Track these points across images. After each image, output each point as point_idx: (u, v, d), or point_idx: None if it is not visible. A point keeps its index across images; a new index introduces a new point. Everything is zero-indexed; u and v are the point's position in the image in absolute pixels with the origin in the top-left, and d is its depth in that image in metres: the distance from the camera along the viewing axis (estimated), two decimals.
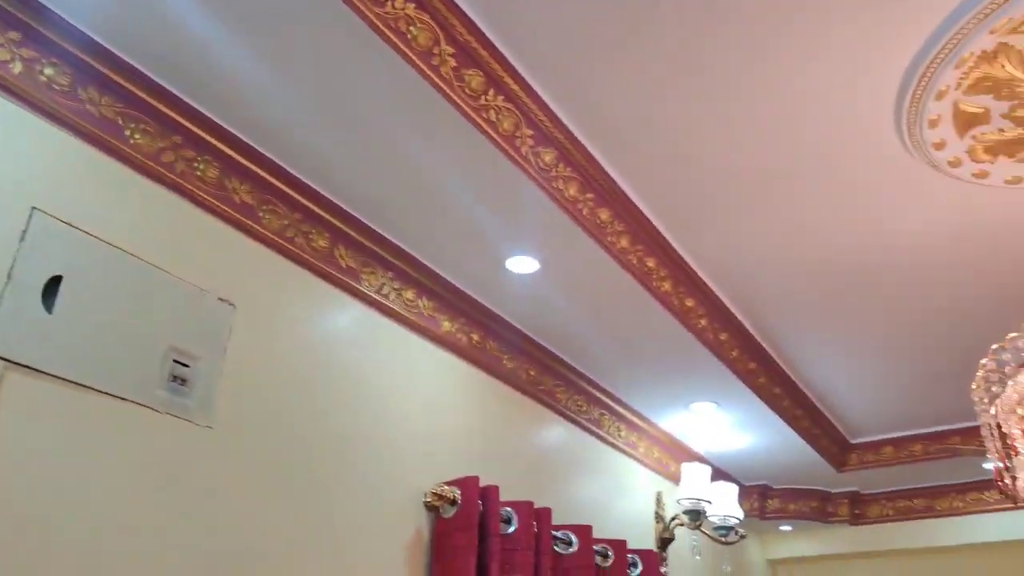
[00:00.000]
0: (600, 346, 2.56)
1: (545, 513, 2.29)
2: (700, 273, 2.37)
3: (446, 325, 2.24)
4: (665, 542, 3.15)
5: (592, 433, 2.91)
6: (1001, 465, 1.42)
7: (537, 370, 2.59)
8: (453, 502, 2.01)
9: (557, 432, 2.74)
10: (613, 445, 3.02)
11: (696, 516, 2.95)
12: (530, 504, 2.22)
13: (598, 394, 2.84)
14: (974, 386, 1.50)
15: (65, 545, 1.31)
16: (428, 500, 2.02)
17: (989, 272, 2.31)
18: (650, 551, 2.81)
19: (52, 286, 1.39)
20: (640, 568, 2.74)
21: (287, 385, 1.78)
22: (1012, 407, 1.35)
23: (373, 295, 2.03)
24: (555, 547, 2.42)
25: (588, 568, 2.41)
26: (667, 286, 2.30)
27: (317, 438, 1.81)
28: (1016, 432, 1.30)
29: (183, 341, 1.57)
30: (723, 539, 3.02)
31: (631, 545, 2.75)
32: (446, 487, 2.03)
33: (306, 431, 1.79)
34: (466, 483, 2.05)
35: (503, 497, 2.15)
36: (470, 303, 2.26)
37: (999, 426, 1.42)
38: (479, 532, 2.01)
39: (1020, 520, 3.63)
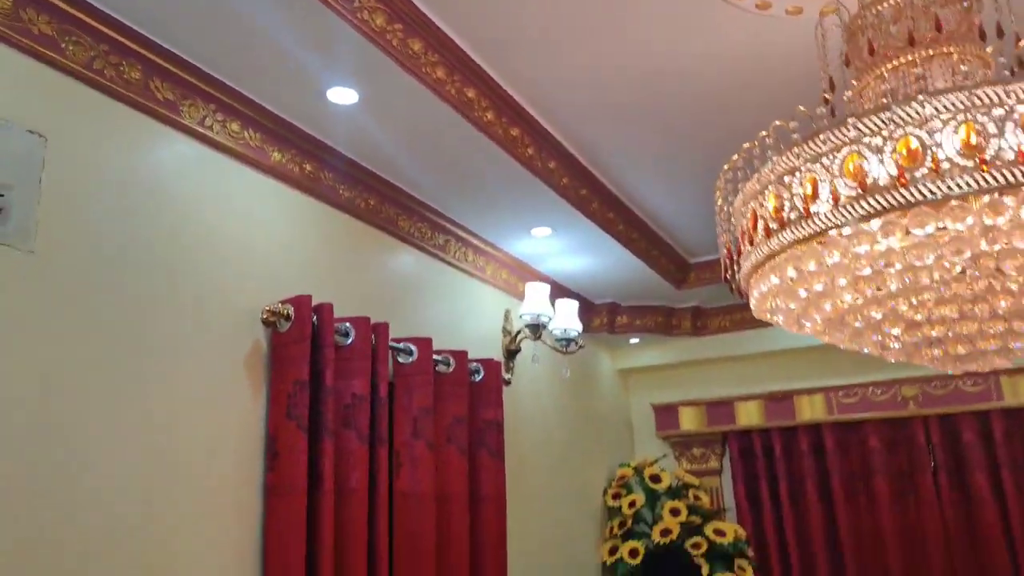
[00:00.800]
0: (433, 176, 2.73)
1: (383, 327, 2.53)
2: (522, 102, 2.53)
3: (276, 156, 2.35)
4: (512, 353, 3.49)
5: (438, 258, 3.14)
6: (728, 259, 1.68)
7: (376, 199, 2.76)
8: (288, 317, 2.22)
9: (402, 258, 2.95)
10: (460, 269, 3.27)
11: (536, 329, 3.27)
12: (367, 319, 2.46)
13: (441, 222, 3.05)
14: (718, 182, 1.71)
15: None
16: (264, 316, 2.21)
17: (783, 99, 2.55)
18: (492, 360, 3.13)
19: None
20: (482, 374, 3.08)
21: (111, 215, 1.89)
22: (748, 199, 1.56)
23: (196, 127, 2.11)
24: (398, 358, 2.70)
25: (427, 374, 2.71)
26: (490, 116, 2.45)
27: (147, 265, 1.95)
28: (747, 224, 1.53)
29: None
30: (563, 349, 3.37)
31: (476, 355, 3.07)
32: (280, 304, 2.23)
33: (135, 258, 1.92)
34: (299, 300, 2.25)
35: (347, 315, 2.38)
36: (298, 134, 2.37)
37: (730, 218, 1.66)
38: (312, 343, 2.24)
39: None
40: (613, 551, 4.03)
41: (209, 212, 2.14)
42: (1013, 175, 1.30)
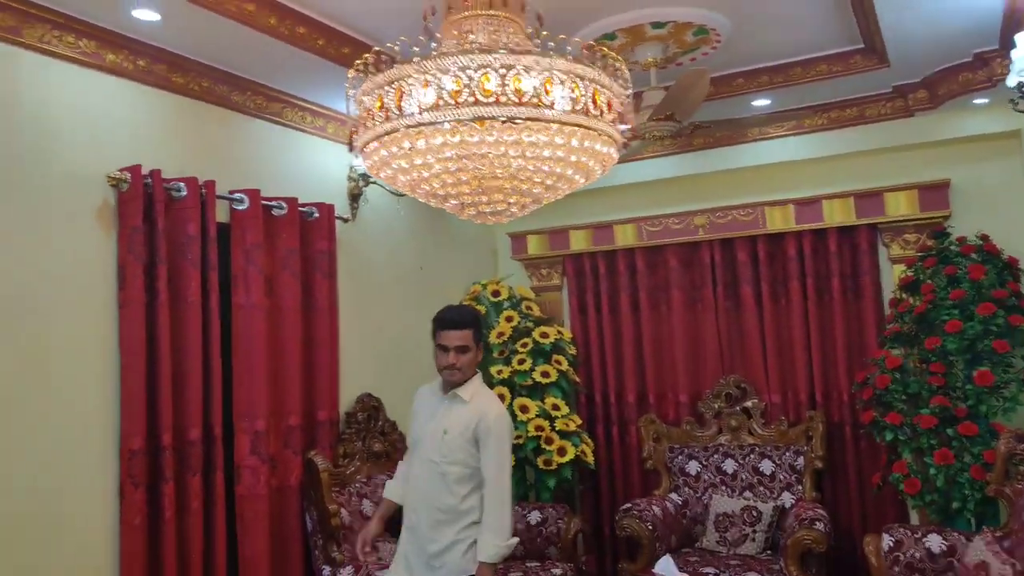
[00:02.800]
0: (249, 61, 3.45)
1: (210, 183, 3.38)
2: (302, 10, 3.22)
3: (110, 57, 3.10)
4: (355, 196, 4.36)
5: (279, 123, 3.93)
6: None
7: (209, 81, 3.52)
8: (126, 181, 3.07)
9: (242, 126, 3.74)
10: (301, 130, 4.07)
11: (367, 177, 4.14)
12: (195, 178, 3.30)
13: (272, 92, 3.81)
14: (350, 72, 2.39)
15: None
16: (109, 181, 3.07)
17: None
18: (324, 203, 4.00)
19: None
20: (316, 214, 3.97)
21: None
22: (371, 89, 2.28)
23: (39, 44, 2.86)
24: (234, 206, 3.57)
25: (257, 217, 3.59)
26: (272, 21, 3.16)
27: (14, 154, 2.77)
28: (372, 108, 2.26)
29: None
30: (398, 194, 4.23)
31: (318, 201, 3.94)
32: (119, 171, 3.07)
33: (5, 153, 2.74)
34: (134, 168, 3.09)
35: (181, 176, 3.24)
36: (125, 39, 3.10)
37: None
38: (146, 199, 3.11)
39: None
40: None
41: (62, 109, 2.93)
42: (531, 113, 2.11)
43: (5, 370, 2.71)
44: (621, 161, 4.84)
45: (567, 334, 5.25)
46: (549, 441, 4.73)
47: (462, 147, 2.14)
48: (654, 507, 4.32)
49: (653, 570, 3.51)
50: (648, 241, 5.15)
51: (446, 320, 2.91)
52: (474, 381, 2.93)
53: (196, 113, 3.52)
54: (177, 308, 3.20)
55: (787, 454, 4.47)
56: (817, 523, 3.82)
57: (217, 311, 3.37)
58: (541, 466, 4.73)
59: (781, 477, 4.42)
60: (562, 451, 4.72)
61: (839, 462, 4.54)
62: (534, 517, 4.33)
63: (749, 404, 4.73)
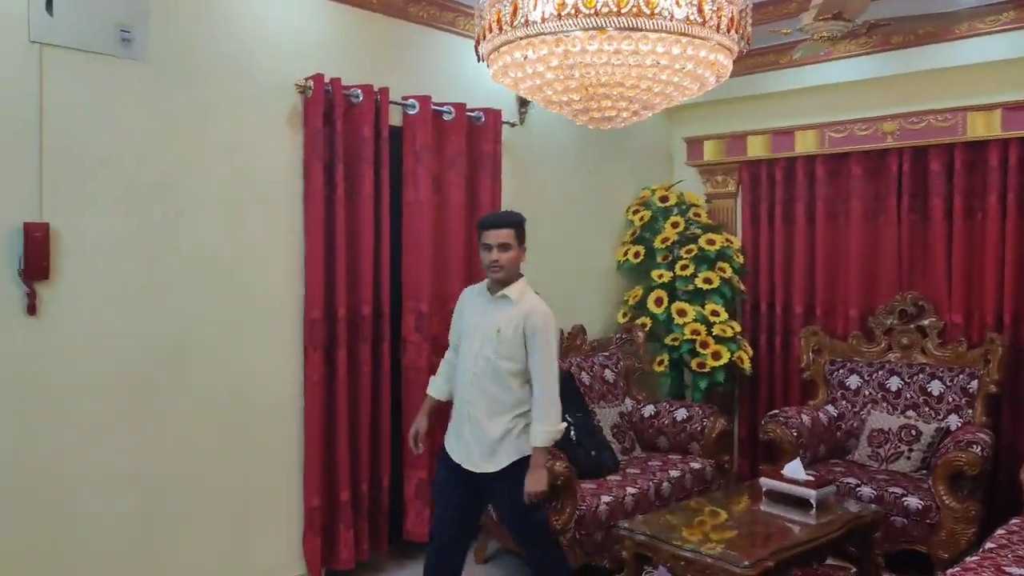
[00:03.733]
0: None
1: (384, 90, 3.76)
2: None
3: None
4: (523, 101, 4.58)
5: (451, 32, 4.21)
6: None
7: None
8: (310, 88, 3.52)
9: (417, 38, 4.07)
10: (473, 38, 4.31)
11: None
12: (370, 85, 3.69)
13: (445, 2, 4.08)
14: None
15: None
16: (296, 87, 3.53)
17: None
18: (492, 109, 4.27)
19: None
20: (484, 119, 4.25)
21: (198, 30, 3.21)
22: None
23: None
24: (407, 111, 3.94)
25: (427, 120, 3.94)
26: None
27: (224, 63, 3.29)
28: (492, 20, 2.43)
29: None
30: None
31: (482, 105, 4.22)
32: (304, 80, 3.53)
33: (215, 61, 3.27)
34: (316, 77, 3.53)
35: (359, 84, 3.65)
36: None
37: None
38: (327, 104, 3.55)
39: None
40: (624, 254, 5.26)
41: (258, 22, 3.41)
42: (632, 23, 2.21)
43: (217, 249, 3.32)
44: (797, 64, 4.67)
45: (736, 242, 5.22)
46: (705, 345, 4.82)
47: (566, 56, 2.27)
48: (803, 416, 4.31)
49: (782, 471, 3.59)
50: (830, 148, 4.90)
51: (488, 221, 3.11)
52: (520, 282, 3.09)
53: (374, 25, 3.88)
54: (352, 201, 3.66)
55: (960, 376, 4.22)
56: (974, 446, 3.64)
57: (388, 205, 3.80)
58: (695, 368, 4.85)
59: (950, 399, 4.20)
60: (717, 355, 4.79)
61: (1019, 389, 4.21)
62: (680, 414, 4.49)
63: (926, 323, 4.47)
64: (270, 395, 3.50)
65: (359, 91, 3.67)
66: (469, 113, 4.18)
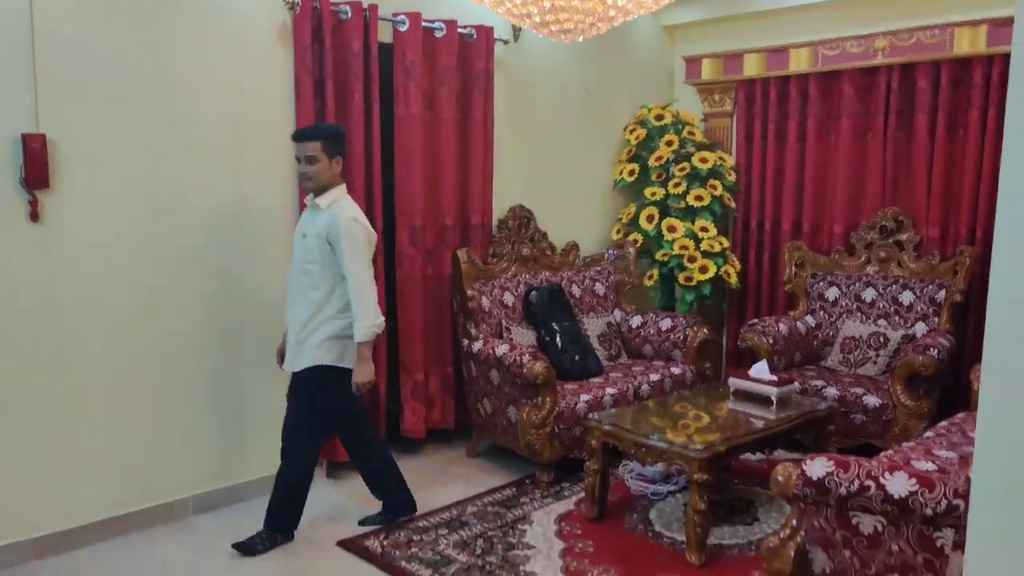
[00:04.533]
0: None
1: (373, 7, 3.90)
2: None
3: None
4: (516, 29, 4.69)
5: None
6: None
7: None
8: (297, 4, 3.68)
9: None
10: None
11: None
12: (359, 2, 3.83)
13: None
14: None
15: None
16: (285, 3, 3.69)
17: None
18: (484, 26, 4.38)
19: None
20: (476, 36, 4.38)
21: None
22: None
23: None
24: (397, 27, 4.08)
25: (416, 39, 4.09)
26: None
27: None
28: None
29: None
30: None
31: (476, 23, 4.34)
32: None
33: None
34: None
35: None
36: None
37: None
38: (315, 20, 3.71)
39: None
40: (620, 172, 5.41)
41: None
42: None
43: (211, 162, 3.54)
44: None
45: (729, 160, 5.33)
46: (692, 260, 5.00)
47: None
48: (780, 325, 4.52)
49: (749, 372, 3.82)
50: (823, 66, 4.95)
51: (295, 134, 3.22)
52: (334, 191, 3.20)
53: None
54: (342, 116, 3.85)
55: (930, 287, 4.39)
56: (931, 349, 3.84)
57: (378, 121, 3.99)
58: (682, 282, 5.05)
59: (919, 308, 4.38)
60: (703, 270, 4.98)
61: (986, 299, 4.34)
62: (665, 324, 4.71)
63: (903, 237, 4.61)
64: (269, 302, 3.75)
65: (347, 7, 3.82)
66: (461, 30, 4.31)
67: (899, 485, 2.13)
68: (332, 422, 3.39)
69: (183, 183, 3.45)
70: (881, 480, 2.16)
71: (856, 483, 2.19)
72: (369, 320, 3.11)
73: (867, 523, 2.21)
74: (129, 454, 3.39)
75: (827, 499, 2.25)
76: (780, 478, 2.35)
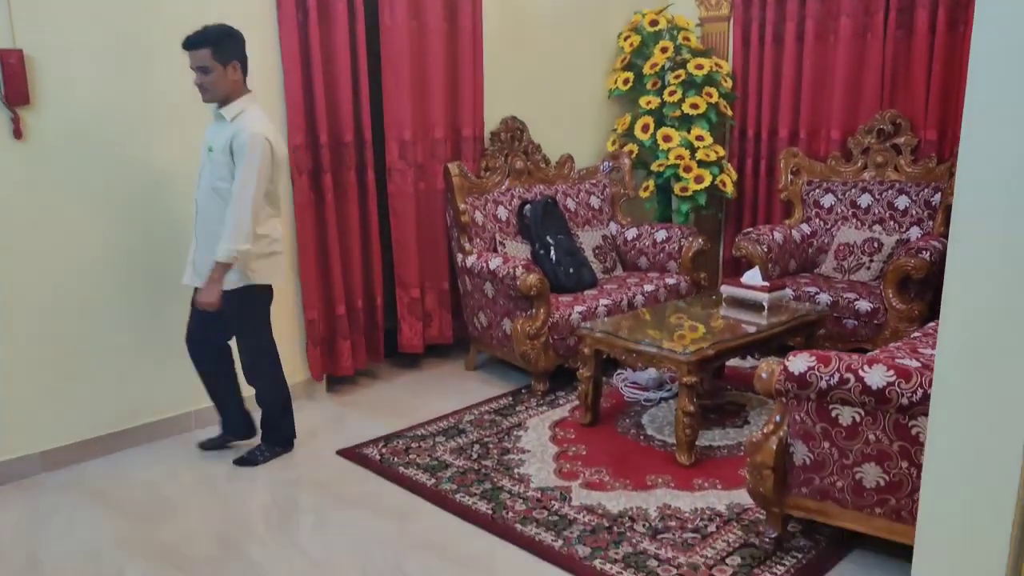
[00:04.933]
0: None
1: None
2: None
3: None
4: None
5: None
6: None
7: None
8: None
9: None
10: None
11: None
12: None
13: None
14: None
15: None
16: None
17: None
18: None
19: None
20: None
21: None
22: None
23: None
24: None
25: None
26: None
27: None
28: None
29: None
30: None
31: None
32: None
33: None
34: None
35: None
36: None
37: None
38: None
39: None
40: (614, 81, 5.31)
41: None
42: None
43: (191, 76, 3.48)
44: None
45: (725, 67, 5.22)
46: (688, 169, 4.96)
47: None
48: (775, 233, 4.51)
49: (741, 279, 3.84)
50: None
51: (183, 43, 2.90)
52: (240, 102, 2.98)
53: None
54: (325, 25, 3.77)
55: (925, 190, 4.35)
56: (924, 252, 3.84)
57: (363, 31, 3.90)
58: (677, 192, 5.02)
59: (914, 212, 4.36)
60: (699, 179, 4.94)
61: None
62: (660, 235, 4.71)
63: (900, 140, 4.55)
64: None
65: None
66: None
67: (877, 377, 2.18)
68: (269, 333, 3.28)
69: (163, 98, 3.40)
70: (860, 373, 2.20)
71: (836, 376, 2.23)
72: (235, 244, 2.91)
73: (846, 415, 2.26)
74: (131, 368, 3.46)
75: (808, 393, 2.30)
76: (764, 374, 2.40)
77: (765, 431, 2.45)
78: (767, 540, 2.59)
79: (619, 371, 4.17)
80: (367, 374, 4.36)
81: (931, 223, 4.29)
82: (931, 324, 3.26)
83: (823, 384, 2.26)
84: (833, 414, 2.29)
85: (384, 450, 3.42)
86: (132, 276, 3.42)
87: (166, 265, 3.48)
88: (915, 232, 4.31)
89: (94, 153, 3.25)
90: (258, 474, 3.27)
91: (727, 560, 2.53)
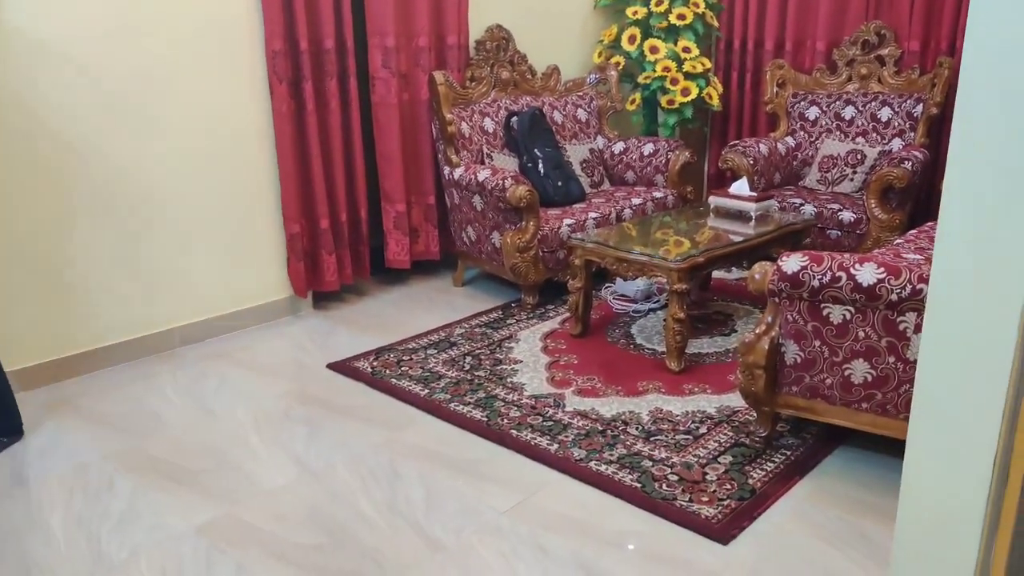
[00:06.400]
0: None
1: None
2: None
3: None
4: None
5: None
6: None
7: None
8: None
9: None
10: None
11: None
12: None
13: None
14: None
15: None
16: None
17: None
18: None
19: None
20: None
21: None
22: None
23: None
24: None
25: None
26: None
27: None
28: None
29: None
30: None
31: None
32: None
33: None
34: None
35: None
36: None
37: None
38: None
39: None
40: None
41: None
42: None
43: None
44: None
45: None
46: (675, 82, 4.91)
47: None
48: (761, 146, 4.51)
49: (729, 190, 3.86)
50: None
51: None
52: None
53: None
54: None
55: (908, 102, 4.37)
56: (906, 162, 3.87)
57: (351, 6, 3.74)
58: (664, 105, 4.98)
59: (896, 124, 4.38)
60: (686, 92, 4.90)
61: None
62: (647, 149, 4.69)
63: (885, 52, 4.53)
64: (241, 127, 3.65)
65: None
66: None
67: (868, 274, 2.22)
68: None
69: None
70: (852, 271, 2.25)
71: (828, 275, 2.28)
72: None
73: (836, 313, 2.32)
74: (109, 285, 3.41)
75: (800, 292, 2.34)
76: (757, 275, 2.44)
77: (757, 332, 2.50)
78: (757, 439, 2.68)
79: (607, 284, 4.21)
80: (353, 290, 4.36)
81: (913, 134, 4.32)
82: (911, 232, 3.32)
83: (815, 283, 2.30)
84: (824, 312, 2.34)
85: (375, 363, 3.45)
86: (123, 195, 3.35)
87: (158, 186, 3.42)
88: (897, 144, 4.34)
89: (85, 57, 3.13)
90: (245, 389, 3.26)
91: (719, 459, 2.61)
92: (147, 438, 2.86)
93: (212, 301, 3.75)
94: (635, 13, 5.00)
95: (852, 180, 4.32)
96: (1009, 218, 1.28)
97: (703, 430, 2.80)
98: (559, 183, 4.35)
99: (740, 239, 3.53)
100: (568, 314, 3.77)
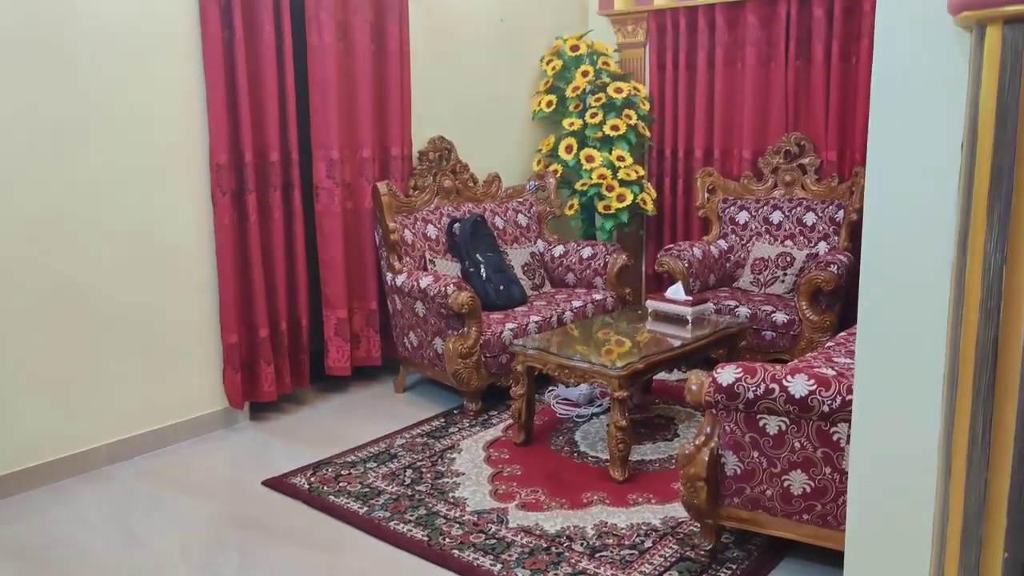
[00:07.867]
0: None
1: None
2: None
3: None
4: None
5: None
6: None
7: None
8: None
9: None
10: None
11: None
12: None
13: None
14: None
15: None
16: None
17: None
18: None
19: None
20: None
21: None
22: None
23: None
24: None
25: None
26: None
27: None
28: None
29: None
30: None
31: None
32: None
33: None
34: None
35: None
36: None
37: None
38: None
39: None
40: (539, 103, 5.40)
41: None
42: None
43: (114, 91, 3.37)
44: None
45: (643, 90, 5.40)
46: (610, 188, 5.09)
47: None
48: (695, 249, 4.67)
49: (665, 294, 3.96)
50: None
51: None
52: None
53: None
54: (252, 47, 3.72)
55: (830, 207, 4.62)
56: (832, 266, 4.06)
57: (291, 50, 3.86)
58: (600, 210, 5.14)
59: (820, 228, 4.61)
60: (621, 198, 5.08)
61: None
62: (586, 252, 4.81)
63: (806, 161, 4.81)
64: (182, 238, 3.63)
65: None
66: None
67: (799, 386, 2.29)
68: None
69: (87, 114, 3.28)
70: (784, 382, 2.31)
71: (762, 386, 2.33)
72: None
73: (772, 424, 2.37)
74: (46, 395, 3.29)
75: (736, 403, 2.39)
76: (694, 387, 2.48)
77: (697, 443, 2.53)
78: (702, 552, 2.66)
79: (551, 388, 4.22)
80: (292, 400, 4.27)
81: (836, 238, 4.54)
82: (842, 334, 3.44)
83: (750, 395, 2.36)
84: (760, 423, 2.39)
85: (313, 478, 3.35)
86: (54, 307, 3.27)
87: (92, 298, 3.36)
88: (823, 247, 4.55)
89: (20, 173, 3.10)
90: (175, 511, 3.12)
91: (665, 575, 2.59)
92: (68, 570, 2.69)
93: (142, 415, 3.62)
94: (571, 124, 5.21)
95: (783, 281, 4.49)
96: (919, 335, 1.36)
97: (648, 544, 2.78)
98: (501, 287, 4.40)
99: (679, 343, 3.60)
100: (511, 421, 3.75)
